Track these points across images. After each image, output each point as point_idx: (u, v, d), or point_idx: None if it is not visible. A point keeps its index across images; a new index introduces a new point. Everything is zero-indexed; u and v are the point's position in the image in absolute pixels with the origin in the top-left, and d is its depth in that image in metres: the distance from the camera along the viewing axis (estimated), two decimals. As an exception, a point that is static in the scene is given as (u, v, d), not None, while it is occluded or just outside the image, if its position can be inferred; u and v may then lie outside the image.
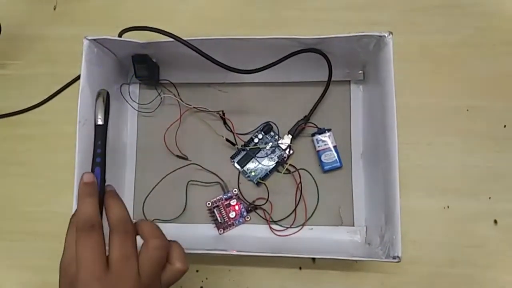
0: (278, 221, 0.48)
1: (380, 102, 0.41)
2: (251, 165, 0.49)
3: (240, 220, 0.48)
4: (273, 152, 0.49)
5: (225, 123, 0.49)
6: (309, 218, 0.48)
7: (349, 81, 0.49)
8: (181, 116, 0.50)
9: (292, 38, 0.41)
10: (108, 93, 0.36)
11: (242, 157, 0.49)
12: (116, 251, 0.30)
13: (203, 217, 0.49)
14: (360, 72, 0.48)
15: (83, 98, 0.40)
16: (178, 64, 0.48)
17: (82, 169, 0.39)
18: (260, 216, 0.48)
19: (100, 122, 0.35)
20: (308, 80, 0.49)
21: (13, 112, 0.54)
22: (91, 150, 0.35)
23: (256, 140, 0.49)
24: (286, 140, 0.49)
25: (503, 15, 0.51)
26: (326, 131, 0.48)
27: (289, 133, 0.49)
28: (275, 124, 0.49)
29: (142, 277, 0.30)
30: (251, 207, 0.48)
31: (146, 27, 0.40)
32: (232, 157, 0.50)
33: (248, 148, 0.49)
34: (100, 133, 0.35)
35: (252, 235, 0.48)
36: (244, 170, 0.49)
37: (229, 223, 0.48)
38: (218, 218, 0.48)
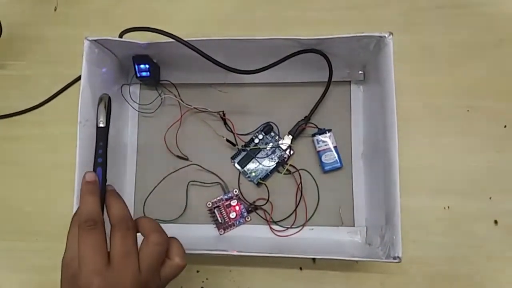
0: (279, 221, 0.48)
1: (381, 102, 0.41)
2: (251, 166, 0.49)
3: (241, 221, 0.48)
4: (273, 152, 0.49)
5: (225, 123, 0.49)
6: (309, 219, 0.48)
7: (350, 81, 0.49)
8: (181, 116, 0.50)
9: (292, 39, 0.41)
10: (109, 98, 0.37)
11: (243, 158, 0.49)
12: (117, 247, 0.31)
13: (203, 218, 0.49)
14: (361, 72, 0.49)
15: (83, 99, 0.40)
16: (178, 64, 0.48)
17: (82, 169, 0.39)
18: (261, 217, 0.48)
19: (101, 124, 0.36)
20: (308, 81, 0.49)
21: (14, 113, 0.54)
22: (92, 151, 0.36)
23: (256, 141, 0.49)
24: (286, 141, 0.49)
25: (503, 15, 0.51)
26: (327, 132, 0.48)
27: (289, 133, 0.49)
28: (275, 125, 0.50)
29: (142, 272, 0.31)
30: (252, 208, 0.48)
31: (147, 27, 0.40)
32: (233, 158, 0.50)
33: (248, 149, 0.49)
34: (102, 135, 0.36)
35: (252, 235, 0.48)
36: (244, 170, 0.49)
37: (229, 223, 0.48)
38: (219, 219, 0.48)
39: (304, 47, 0.43)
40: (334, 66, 0.45)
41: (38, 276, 0.50)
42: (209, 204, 0.49)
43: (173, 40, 0.39)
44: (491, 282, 0.46)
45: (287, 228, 0.48)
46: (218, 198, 0.49)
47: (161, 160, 0.50)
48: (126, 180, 0.50)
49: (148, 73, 0.47)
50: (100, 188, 0.34)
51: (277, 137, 0.49)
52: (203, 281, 0.48)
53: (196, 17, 0.55)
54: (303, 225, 0.48)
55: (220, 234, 0.48)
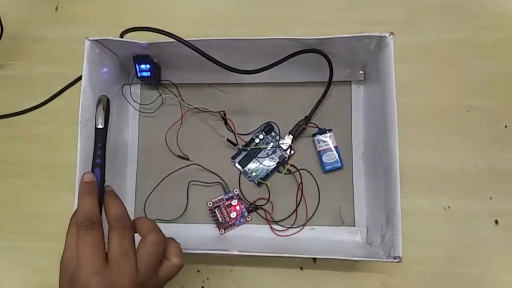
0: (279, 221, 0.48)
1: (381, 102, 0.41)
2: (252, 165, 0.49)
3: (241, 220, 0.48)
4: (274, 152, 0.49)
5: (226, 123, 0.49)
6: (310, 218, 0.48)
7: (350, 81, 0.49)
8: (182, 116, 0.50)
9: (293, 39, 0.41)
10: (108, 99, 0.38)
11: (243, 158, 0.49)
12: (115, 247, 0.31)
13: (204, 217, 0.49)
14: (361, 72, 0.49)
15: (84, 99, 0.40)
16: (179, 64, 0.48)
17: (83, 169, 0.39)
18: (261, 216, 0.48)
19: (100, 125, 0.37)
20: (309, 81, 0.49)
21: (14, 113, 0.54)
22: (93, 150, 0.36)
23: (257, 141, 0.49)
24: (287, 141, 0.49)
25: (503, 15, 0.51)
26: (327, 132, 0.48)
27: (290, 133, 0.49)
28: (276, 125, 0.50)
29: (140, 271, 0.31)
30: (252, 207, 0.48)
31: (148, 27, 0.40)
32: (233, 157, 0.50)
33: (249, 149, 0.49)
34: (100, 136, 0.36)
35: (253, 235, 0.48)
36: (245, 170, 0.49)
37: (230, 223, 0.48)
38: (219, 218, 0.48)
39: (304, 47, 0.43)
40: (334, 66, 0.45)
41: (38, 276, 0.50)
42: (209, 204, 0.49)
43: (173, 40, 0.40)
44: (491, 282, 0.46)
45: (288, 228, 0.48)
46: (219, 197, 0.49)
47: (161, 160, 0.50)
48: (127, 180, 0.50)
49: (149, 73, 0.47)
50: (98, 189, 0.34)
51: (277, 137, 0.50)
52: (203, 281, 0.48)
53: (196, 17, 0.55)
54: (304, 225, 0.48)
55: (221, 234, 0.48)
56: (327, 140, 0.48)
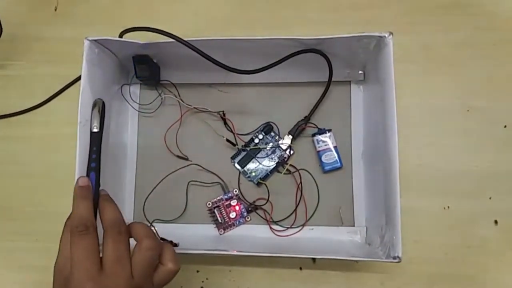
0: (279, 221, 0.48)
1: (381, 102, 0.41)
2: (251, 166, 0.49)
3: (241, 221, 0.48)
4: (273, 152, 0.49)
5: (225, 123, 0.49)
6: (309, 219, 0.48)
7: (350, 81, 0.49)
8: (181, 116, 0.50)
9: (292, 39, 0.41)
10: (103, 103, 0.37)
11: (243, 158, 0.49)
12: (109, 252, 0.31)
13: (203, 218, 0.49)
14: (361, 72, 0.49)
15: (83, 99, 0.40)
16: (178, 64, 0.48)
17: (82, 169, 0.38)
18: (261, 217, 0.48)
19: (95, 129, 0.36)
20: (308, 81, 0.49)
21: (13, 113, 0.54)
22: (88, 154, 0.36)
23: (256, 141, 0.49)
24: (286, 141, 0.49)
25: (503, 15, 0.51)
26: (327, 132, 0.48)
27: (289, 133, 0.49)
28: (275, 125, 0.50)
29: (135, 277, 0.31)
30: (252, 208, 0.48)
31: (147, 27, 0.40)
32: (233, 158, 0.50)
33: (248, 149, 0.49)
34: (96, 140, 0.36)
35: (252, 235, 0.48)
36: (244, 170, 0.49)
37: (229, 223, 0.48)
38: (219, 219, 0.48)
39: (304, 47, 0.43)
40: (334, 66, 0.45)
41: (38, 276, 0.50)
42: (209, 204, 0.49)
43: (173, 40, 0.39)
44: (491, 282, 0.46)
45: (287, 228, 0.48)
46: (218, 198, 0.49)
47: (161, 160, 0.50)
48: (126, 180, 0.50)
49: (148, 73, 0.47)
50: (93, 193, 0.34)
51: (277, 137, 0.50)
52: (203, 281, 0.48)
53: (196, 17, 0.55)
54: (303, 225, 0.48)
55: (220, 234, 0.48)
56: (327, 140, 0.48)
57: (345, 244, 0.46)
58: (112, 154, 0.47)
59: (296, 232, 0.47)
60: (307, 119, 0.49)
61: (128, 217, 0.50)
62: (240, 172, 0.49)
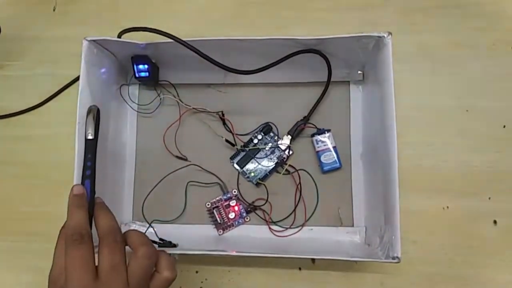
0: (278, 221, 0.48)
1: (380, 103, 0.41)
2: (250, 166, 0.49)
3: (240, 221, 0.48)
4: (272, 152, 0.49)
5: (224, 123, 0.49)
6: (308, 219, 0.48)
7: (349, 81, 0.49)
8: (180, 117, 0.50)
9: (291, 39, 0.41)
10: (98, 109, 0.37)
11: (242, 158, 0.49)
12: (105, 261, 0.30)
13: (202, 218, 0.49)
14: (360, 72, 0.48)
15: (82, 99, 0.40)
16: (177, 64, 0.48)
17: (81, 169, 0.38)
18: (260, 217, 0.48)
19: (90, 136, 0.35)
20: (307, 81, 0.49)
21: (13, 113, 0.54)
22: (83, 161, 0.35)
23: (255, 141, 0.49)
24: (285, 141, 0.49)
25: (503, 15, 0.51)
26: (326, 132, 0.48)
27: (288, 133, 0.49)
28: (274, 125, 0.49)
29: (131, 285, 0.31)
30: (251, 208, 0.48)
31: (146, 28, 0.40)
32: (232, 158, 0.50)
33: (247, 149, 0.49)
34: (90, 147, 0.35)
35: (251, 235, 0.48)
36: (243, 170, 0.49)
37: (228, 223, 0.48)
38: (218, 219, 0.48)
39: (303, 47, 0.43)
40: (333, 66, 0.45)
41: (38, 276, 0.50)
42: (208, 205, 0.49)
43: (171, 40, 0.39)
44: (491, 282, 0.46)
45: (286, 228, 0.48)
46: (217, 198, 0.49)
47: (160, 160, 0.50)
48: (125, 181, 0.50)
49: (147, 73, 0.47)
50: (88, 201, 0.34)
51: (276, 137, 0.49)
52: (202, 282, 0.48)
53: (195, 17, 0.54)
54: (302, 225, 0.48)
55: (219, 235, 0.48)
56: (326, 140, 0.47)
57: (344, 244, 0.46)
58: (111, 155, 0.47)
59: (295, 233, 0.47)
60: (306, 119, 0.48)
61: (127, 218, 0.50)
62: (239, 173, 0.49)
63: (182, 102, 0.49)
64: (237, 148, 0.49)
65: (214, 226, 0.48)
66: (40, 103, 0.54)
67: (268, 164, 0.49)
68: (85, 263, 0.30)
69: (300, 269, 0.48)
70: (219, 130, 0.50)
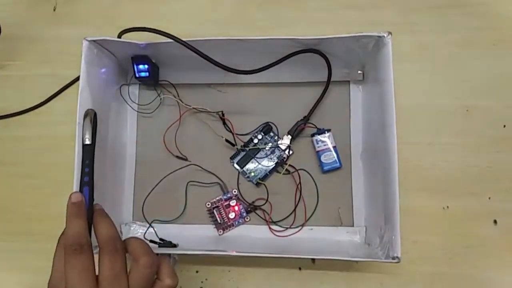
0: (278, 221, 0.48)
1: (380, 102, 0.41)
2: (250, 166, 0.49)
3: (240, 221, 0.48)
4: (272, 152, 0.49)
5: (224, 123, 0.49)
6: (308, 219, 0.48)
7: (349, 81, 0.49)
8: (180, 116, 0.50)
9: (291, 39, 0.41)
10: (95, 113, 0.36)
11: (242, 158, 0.49)
12: (105, 270, 0.30)
13: (202, 218, 0.49)
14: (360, 72, 0.48)
15: (82, 100, 0.40)
16: (177, 65, 0.48)
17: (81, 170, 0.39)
18: (260, 217, 0.48)
19: (87, 141, 0.35)
20: (307, 81, 0.49)
21: (13, 113, 0.54)
22: (80, 168, 0.35)
23: (255, 141, 0.49)
24: (285, 141, 0.49)
25: (503, 15, 0.51)
26: (326, 132, 0.48)
27: (288, 133, 0.49)
28: (274, 125, 0.49)
29: None
30: (251, 208, 0.48)
31: (146, 28, 0.40)
32: (232, 158, 0.50)
33: (247, 149, 0.49)
34: (88, 153, 0.34)
35: (251, 235, 0.48)
36: (243, 170, 0.49)
37: (228, 223, 0.48)
38: (218, 219, 0.48)
39: (303, 47, 0.43)
40: (333, 66, 0.45)
41: (38, 276, 0.50)
42: (208, 205, 0.49)
43: (171, 40, 0.39)
44: (490, 282, 0.46)
45: (286, 228, 0.48)
46: (217, 198, 0.49)
47: (160, 160, 0.50)
48: (125, 180, 0.50)
49: (147, 73, 0.47)
50: (87, 208, 0.33)
51: (276, 137, 0.49)
52: (202, 282, 0.48)
53: (195, 17, 0.54)
54: (302, 225, 0.48)
55: (219, 235, 0.48)
56: (326, 140, 0.47)
57: (345, 244, 0.46)
58: (111, 155, 0.47)
59: (296, 233, 0.47)
60: (306, 119, 0.48)
61: (127, 218, 0.49)
62: (239, 172, 0.49)
63: (182, 102, 0.49)
64: (237, 148, 0.49)
65: (214, 226, 0.48)
66: (40, 103, 0.54)
67: (268, 164, 0.49)
68: (85, 274, 0.29)
69: (300, 269, 0.48)
70: (219, 130, 0.50)
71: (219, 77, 0.49)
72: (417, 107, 0.49)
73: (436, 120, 0.49)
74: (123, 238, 0.46)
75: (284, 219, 0.48)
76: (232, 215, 0.48)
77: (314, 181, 0.48)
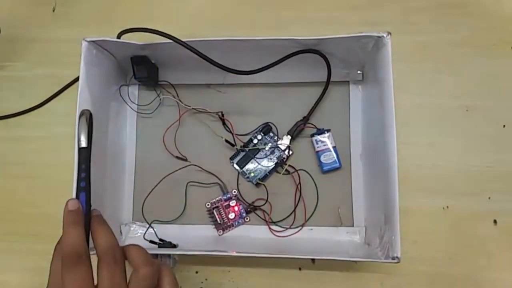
0: (278, 221, 0.48)
1: (379, 102, 0.41)
2: (250, 166, 0.49)
3: (240, 221, 0.48)
4: (272, 153, 0.49)
5: (224, 124, 0.49)
6: (308, 219, 0.48)
7: (348, 81, 0.49)
8: (180, 117, 0.50)
9: (291, 39, 0.41)
10: (91, 114, 0.34)
11: (242, 158, 0.49)
12: (105, 281, 0.29)
13: (202, 218, 0.49)
14: (359, 72, 0.48)
15: (81, 100, 0.40)
16: (177, 65, 0.48)
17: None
18: (260, 217, 0.48)
19: (83, 144, 0.33)
20: (307, 81, 0.49)
21: (12, 114, 0.54)
22: (76, 173, 0.34)
23: (255, 141, 0.49)
24: (285, 141, 0.49)
25: (503, 15, 0.51)
26: (325, 132, 0.48)
27: (288, 133, 0.49)
28: (274, 125, 0.49)
29: None
30: (251, 208, 0.48)
31: (145, 28, 0.40)
32: (232, 158, 0.50)
33: (247, 149, 0.49)
34: (84, 156, 0.33)
35: (251, 236, 0.48)
36: (243, 171, 0.49)
37: (228, 224, 0.48)
38: (218, 219, 0.48)
39: (303, 47, 0.43)
40: (332, 66, 0.45)
41: (38, 277, 0.50)
42: (208, 205, 0.49)
43: (171, 40, 0.39)
44: (490, 282, 0.46)
45: (286, 228, 0.48)
46: (217, 198, 0.49)
47: (160, 160, 0.50)
48: (125, 181, 0.50)
49: (147, 74, 0.47)
50: (84, 214, 0.32)
51: (276, 138, 0.49)
52: (202, 282, 0.48)
53: (195, 18, 0.54)
54: (302, 225, 0.47)
55: (219, 235, 0.48)
56: (326, 140, 0.47)
57: (344, 244, 0.46)
58: (110, 155, 0.47)
59: (295, 233, 0.47)
60: (306, 119, 0.48)
61: (127, 218, 0.49)
62: (239, 173, 0.49)
63: (182, 103, 0.49)
64: (237, 148, 0.49)
65: (214, 226, 0.48)
66: (40, 103, 0.54)
67: (268, 164, 0.49)
68: (84, 284, 0.28)
69: (300, 269, 0.48)
70: (219, 130, 0.50)
71: (219, 78, 0.49)
72: (417, 107, 0.49)
73: (436, 120, 0.49)
74: (123, 238, 0.47)
75: (284, 219, 0.48)
76: (232, 216, 0.48)
77: (314, 181, 0.48)
